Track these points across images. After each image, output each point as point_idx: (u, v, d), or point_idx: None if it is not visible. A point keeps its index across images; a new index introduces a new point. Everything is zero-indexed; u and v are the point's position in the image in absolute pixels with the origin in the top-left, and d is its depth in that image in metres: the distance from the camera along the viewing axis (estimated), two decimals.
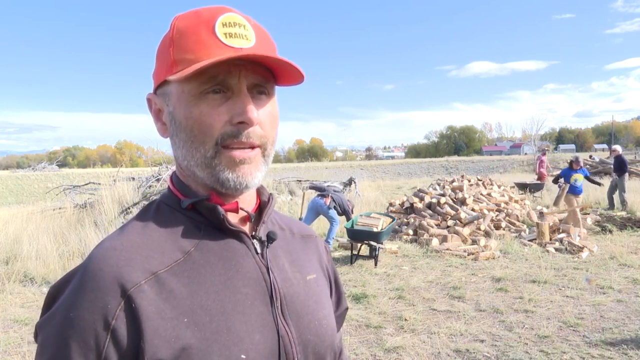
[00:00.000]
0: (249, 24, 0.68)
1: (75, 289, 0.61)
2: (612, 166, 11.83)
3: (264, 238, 0.74)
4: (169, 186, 0.76)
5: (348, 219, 7.60)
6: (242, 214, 0.74)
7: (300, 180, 17.21)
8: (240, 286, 0.68)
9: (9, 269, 6.56)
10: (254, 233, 0.74)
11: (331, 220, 7.60)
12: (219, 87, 0.66)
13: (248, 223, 0.75)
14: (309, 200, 8.16)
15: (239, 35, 0.66)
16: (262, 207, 0.78)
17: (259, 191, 0.79)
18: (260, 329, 0.66)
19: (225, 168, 0.67)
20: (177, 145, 0.70)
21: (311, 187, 8.43)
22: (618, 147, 12.29)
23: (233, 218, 0.73)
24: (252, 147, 0.68)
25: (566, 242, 7.60)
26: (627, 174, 11.58)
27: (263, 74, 0.68)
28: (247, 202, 0.75)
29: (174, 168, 0.77)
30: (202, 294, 0.64)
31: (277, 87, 0.74)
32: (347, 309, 0.94)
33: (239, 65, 0.65)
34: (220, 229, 0.70)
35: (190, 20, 0.68)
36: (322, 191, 7.97)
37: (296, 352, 0.69)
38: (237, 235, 0.71)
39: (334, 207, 7.56)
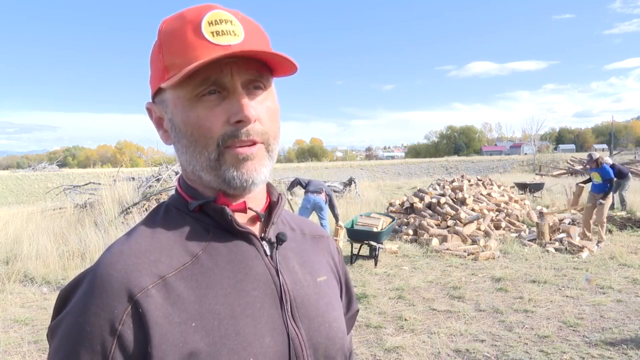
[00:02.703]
0: (235, 18, 0.66)
1: (83, 294, 0.61)
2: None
3: (273, 239, 0.73)
4: (176, 188, 0.75)
5: (333, 207, 7.55)
6: (250, 214, 0.72)
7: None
8: (250, 289, 0.67)
9: (9, 269, 6.56)
10: (263, 235, 0.73)
11: (322, 220, 7.55)
12: (214, 88, 0.65)
13: (257, 223, 0.74)
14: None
15: (226, 32, 0.64)
16: (271, 207, 0.76)
17: (269, 191, 0.78)
18: (270, 332, 0.66)
19: (230, 166, 0.66)
20: (181, 152, 0.70)
21: (293, 186, 8.29)
22: (607, 159, 11.89)
23: (241, 218, 0.71)
24: (254, 144, 0.67)
25: (566, 242, 7.60)
26: (629, 177, 11.47)
27: (257, 68, 0.67)
28: (257, 201, 0.74)
29: (174, 168, 0.76)
30: (210, 298, 0.64)
31: (275, 80, 0.72)
32: (357, 311, 0.92)
33: (230, 63, 0.64)
34: (228, 231, 0.70)
35: (176, 23, 0.66)
36: (303, 185, 7.80)
37: (307, 356, 0.68)
38: (246, 237, 0.70)
39: (327, 201, 7.52)
